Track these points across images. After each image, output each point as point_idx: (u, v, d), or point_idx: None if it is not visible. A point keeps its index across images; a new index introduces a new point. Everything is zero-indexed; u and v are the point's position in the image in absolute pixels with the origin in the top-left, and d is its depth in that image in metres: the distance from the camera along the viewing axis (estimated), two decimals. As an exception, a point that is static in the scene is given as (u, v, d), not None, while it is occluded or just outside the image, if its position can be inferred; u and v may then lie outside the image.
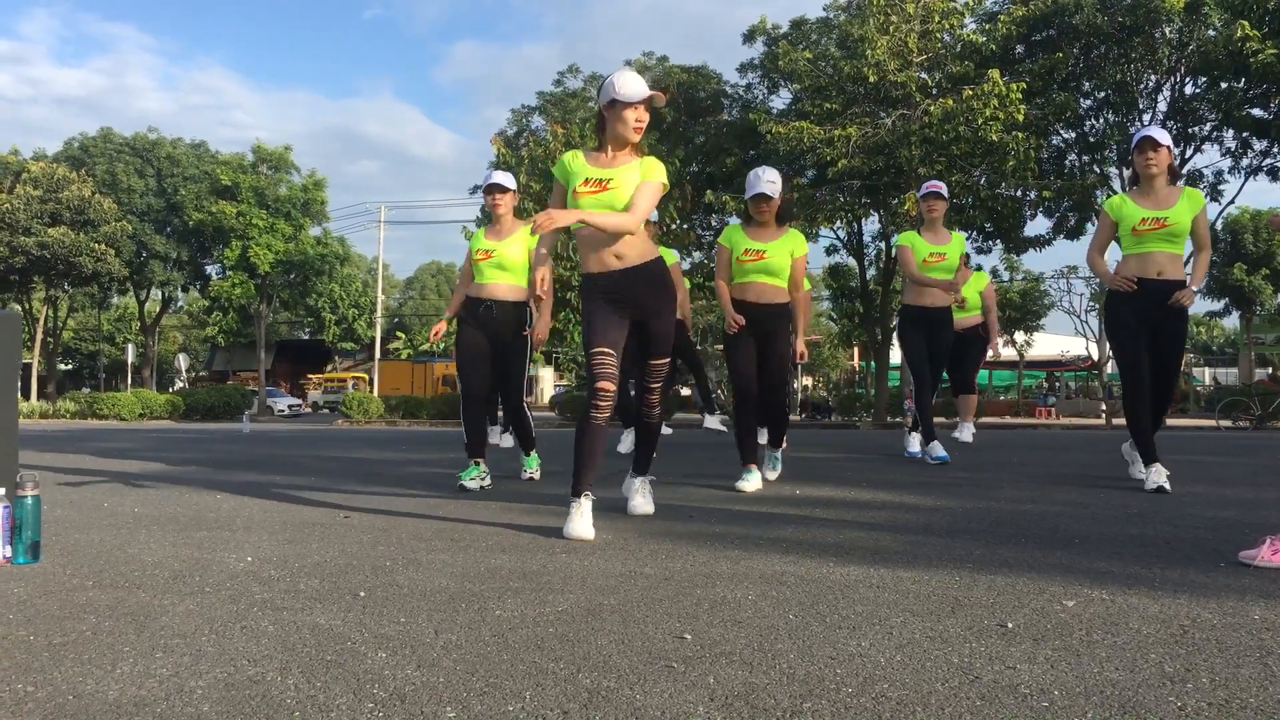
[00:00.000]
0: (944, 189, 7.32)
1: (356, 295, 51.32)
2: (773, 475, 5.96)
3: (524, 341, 5.68)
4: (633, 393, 5.20)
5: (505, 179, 5.76)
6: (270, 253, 40.54)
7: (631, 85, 4.01)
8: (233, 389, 35.35)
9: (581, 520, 3.83)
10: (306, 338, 58.84)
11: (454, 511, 4.51)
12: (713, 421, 10.12)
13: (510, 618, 2.49)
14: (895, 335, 7.38)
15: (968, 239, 7.66)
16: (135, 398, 30.77)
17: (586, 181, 4.06)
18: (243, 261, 40.64)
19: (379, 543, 3.65)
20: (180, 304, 57.44)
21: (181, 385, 40.85)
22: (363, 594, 2.77)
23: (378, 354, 48.03)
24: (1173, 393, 5.51)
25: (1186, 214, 5.19)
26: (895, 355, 28.64)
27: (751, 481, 5.48)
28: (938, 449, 7.16)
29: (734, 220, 27.56)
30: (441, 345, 55.97)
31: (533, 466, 6.16)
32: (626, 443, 8.03)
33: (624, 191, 4.02)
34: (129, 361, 44.24)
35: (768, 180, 5.43)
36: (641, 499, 4.49)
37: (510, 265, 5.66)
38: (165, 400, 30.93)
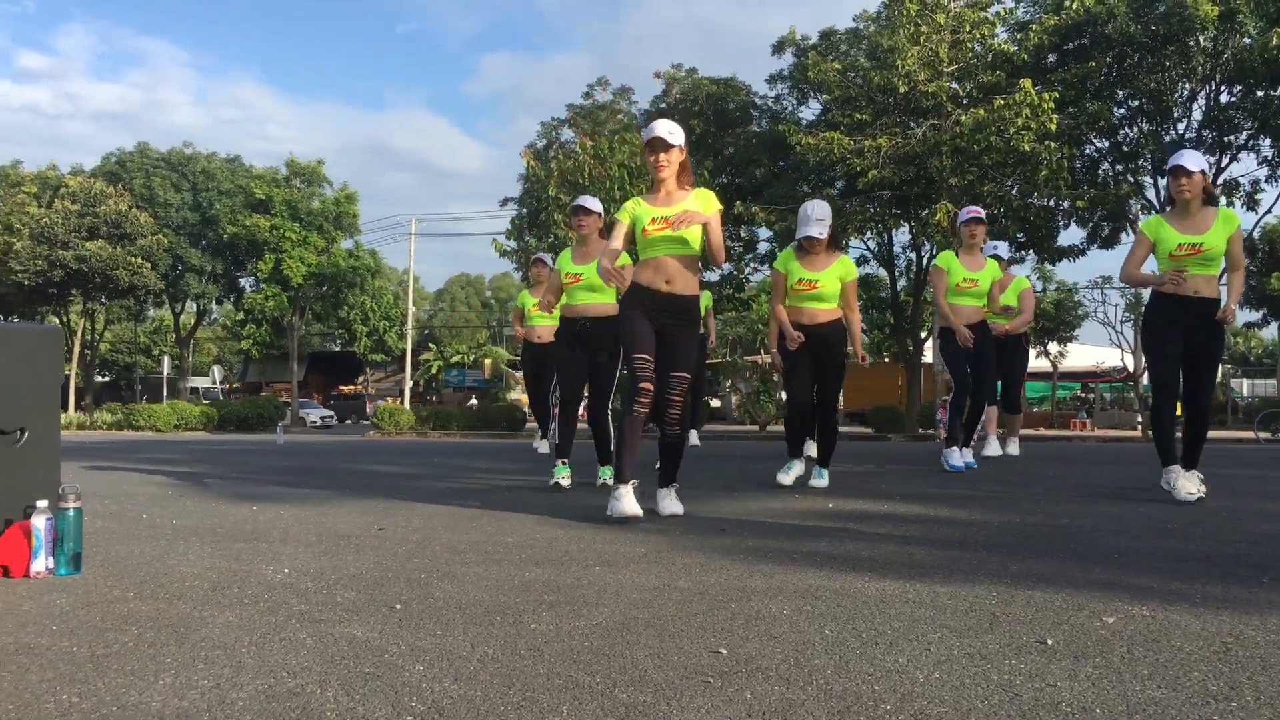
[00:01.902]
0: (983, 213, 7.48)
1: (387, 307, 51.71)
2: (819, 484, 6.16)
3: (615, 357, 6.06)
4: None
5: (591, 202, 6.25)
6: (303, 265, 40.91)
7: (646, 132, 4.72)
8: (266, 400, 35.66)
9: (628, 500, 4.46)
10: (338, 349, 59.31)
11: (487, 525, 4.53)
12: (691, 437, 10.36)
13: (545, 631, 2.50)
14: (937, 349, 7.64)
15: (994, 249, 7.89)
16: (171, 409, 31.11)
17: (654, 220, 4.66)
18: (276, 274, 41.04)
19: (413, 555, 3.67)
20: (215, 316, 58.09)
21: (208, 402, 41.45)
22: (399, 606, 2.78)
23: (408, 365, 48.30)
24: (1210, 408, 5.59)
25: (1221, 237, 5.28)
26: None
27: (791, 473, 6.32)
28: (957, 456, 7.49)
29: (763, 232, 27.49)
30: (472, 356, 56.35)
31: (607, 475, 6.27)
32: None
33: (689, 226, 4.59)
34: (164, 374, 44.78)
35: (816, 219, 5.93)
36: (669, 501, 4.82)
37: (599, 285, 5.96)
38: (200, 411, 31.24)
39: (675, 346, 4.71)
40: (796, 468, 6.32)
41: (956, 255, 7.40)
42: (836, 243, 6.17)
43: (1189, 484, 5.41)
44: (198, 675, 2.13)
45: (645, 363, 4.63)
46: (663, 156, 4.67)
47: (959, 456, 7.46)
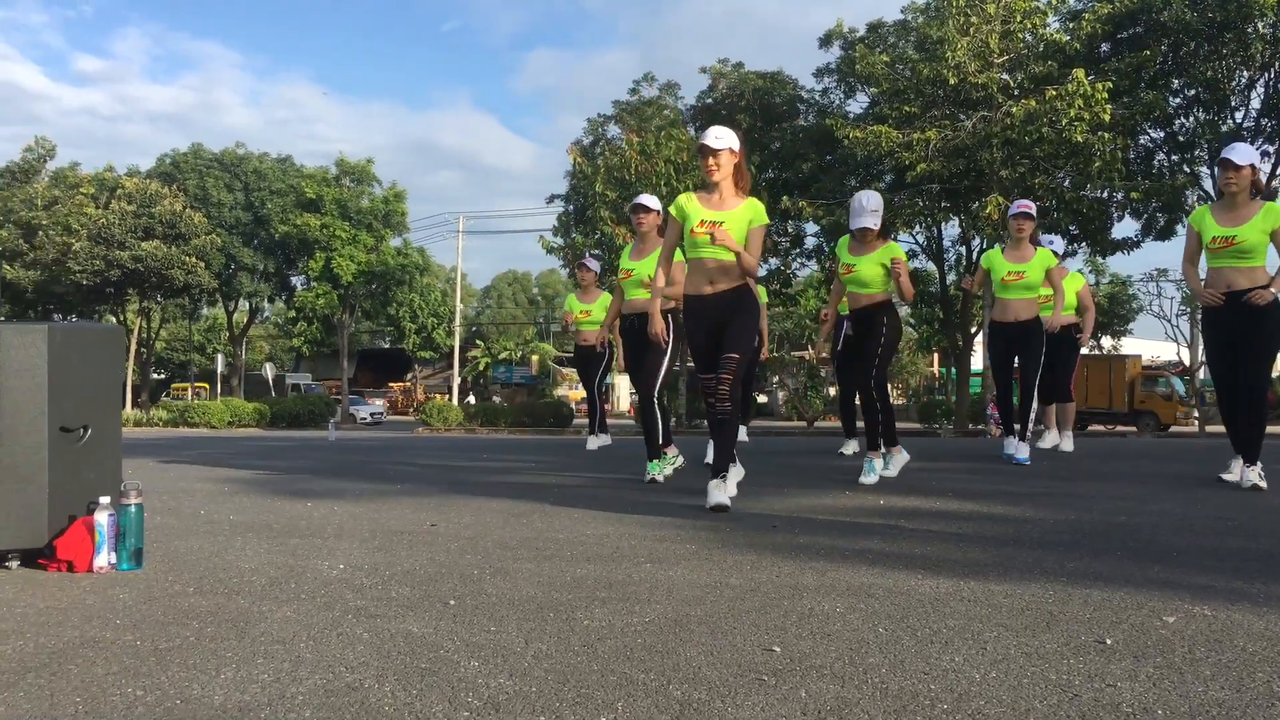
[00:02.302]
0: (1032, 209, 7.38)
1: (435, 304, 52.08)
2: (866, 480, 5.91)
3: (658, 345, 6.05)
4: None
5: (650, 200, 6.39)
6: (353, 264, 41.34)
7: (702, 138, 4.87)
8: (317, 398, 36.14)
9: (716, 492, 4.71)
10: (388, 346, 59.88)
11: (538, 521, 4.56)
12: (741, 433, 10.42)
13: (598, 628, 2.51)
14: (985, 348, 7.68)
15: (1050, 244, 8.03)
16: (224, 406, 31.64)
17: (702, 223, 4.79)
18: (326, 272, 41.51)
19: (466, 551, 3.70)
20: (267, 314, 58.90)
21: (313, 394, 42.33)
22: (452, 602, 2.81)
23: (456, 362, 48.65)
24: (1263, 400, 5.63)
25: (1259, 230, 5.37)
26: (976, 361, 28.16)
27: (849, 446, 6.95)
28: (1022, 449, 7.38)
29: (810, 226, 27.34)
30: (519, 353, 56.78)
31: (655, 470, 6.22)
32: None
33: (734, 231, 4.75)
34: (218, 371, 45.52)
35: (871, 210, 6.06)
36: (717, 492, 4.74)
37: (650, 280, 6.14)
38: (253, 408, 31.74)
39: (726, 333, 4.88)
40: (851, 444, 7.32)
41: (1003, 251, 7.34)
42: (885, 232, 6.28)
43: (1239, 469, 5.66)
44: (258, 669, 2.16)
45: (710, 381, 4.90)
46: (711, 161, 4.81)
47: (1015, 446, 7.46)
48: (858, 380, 6.40)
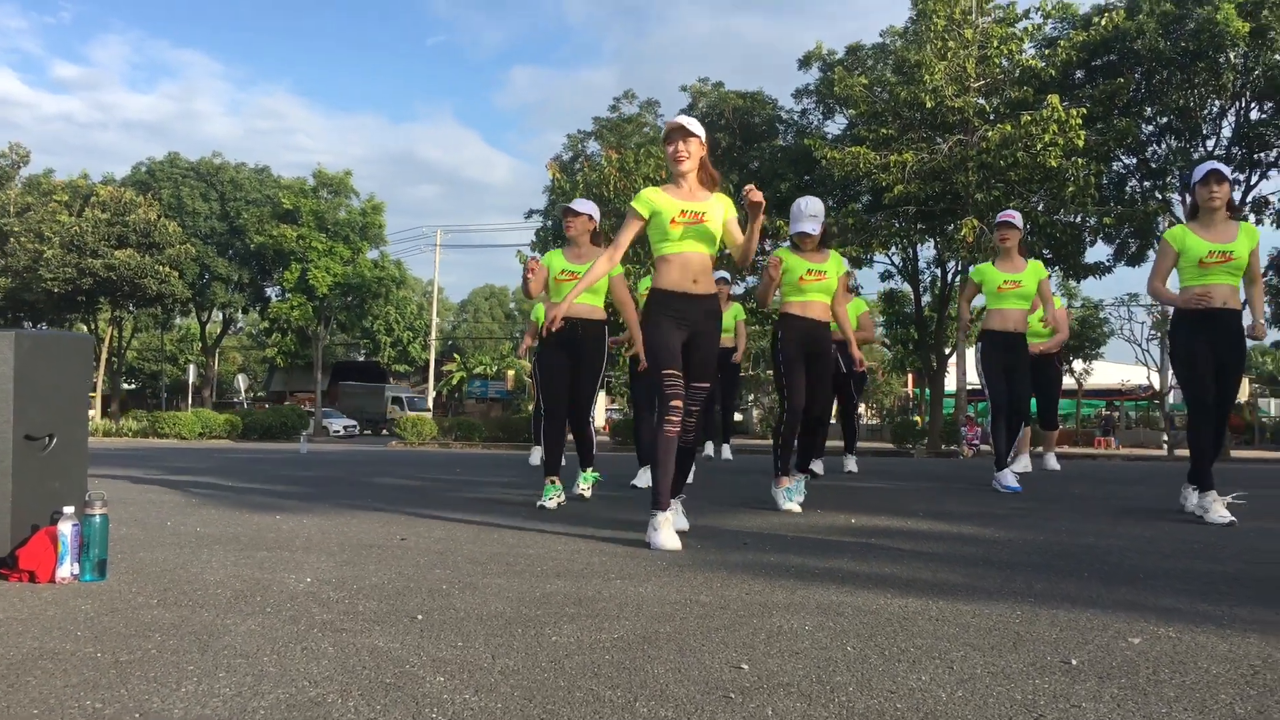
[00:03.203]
0: (1017, 218, 7.30)
1: (411, 318, 51.93)
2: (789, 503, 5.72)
3: (600, 358, 5.92)
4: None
5: (581, 205, 6.09)
6: (329, 275, 41.15)
7: (668, 125, 4.54)
8: (290, 409, 35.87)
9: (666, 531, 4.21)
10: (362, 359, 59.61)
11: (509, 536, 4.54)
12: (724, 450, 10.47)
13: (566, 644, 2.50)
14: (977, 359, 7.35)
15: None
16: (195, 417, 31.35)
17: (683, 213, 4.44)
18: (302, 284, 41.29)
19: (435, 566, 3.67)
20: (240, 325, 58.51)
21: (240, 403, 42.07)
22: (420, 617, 2.79)
23: (432, 376, 48.47)
24: (1228, 419, 5.68)
25: (1245, 248, 5.40)
26: (950, 383, 28.29)
27: (796, 497, 5.71)
28: (1009, 478, 7.08)
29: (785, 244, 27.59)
30: (495, 368, 56.64)
31: (588, 481, 6.21)
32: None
33: (714, 223, 4.50)
34: (190, 381, 45.14)
35: (810, 215, 5.83)
36: (676, 516, 4.51)
37: (594, 286, 5.74)
38: (224, 420, 31.48)
39: (701, 354, 4.50)
40: (800, 488, 5.75)
41: (994, 263, 7.31)
42: (826, 241, 6.07)
43: (1221, 508, 5.28)
44: (220, 683, 2.14)
45: (676, 379, 4.38)
46: (681, 146, 4.44)
47: (1012, 476, 7.14)
48: (823, 401, 6.09)
